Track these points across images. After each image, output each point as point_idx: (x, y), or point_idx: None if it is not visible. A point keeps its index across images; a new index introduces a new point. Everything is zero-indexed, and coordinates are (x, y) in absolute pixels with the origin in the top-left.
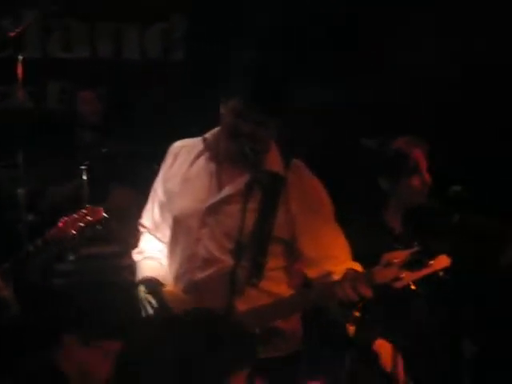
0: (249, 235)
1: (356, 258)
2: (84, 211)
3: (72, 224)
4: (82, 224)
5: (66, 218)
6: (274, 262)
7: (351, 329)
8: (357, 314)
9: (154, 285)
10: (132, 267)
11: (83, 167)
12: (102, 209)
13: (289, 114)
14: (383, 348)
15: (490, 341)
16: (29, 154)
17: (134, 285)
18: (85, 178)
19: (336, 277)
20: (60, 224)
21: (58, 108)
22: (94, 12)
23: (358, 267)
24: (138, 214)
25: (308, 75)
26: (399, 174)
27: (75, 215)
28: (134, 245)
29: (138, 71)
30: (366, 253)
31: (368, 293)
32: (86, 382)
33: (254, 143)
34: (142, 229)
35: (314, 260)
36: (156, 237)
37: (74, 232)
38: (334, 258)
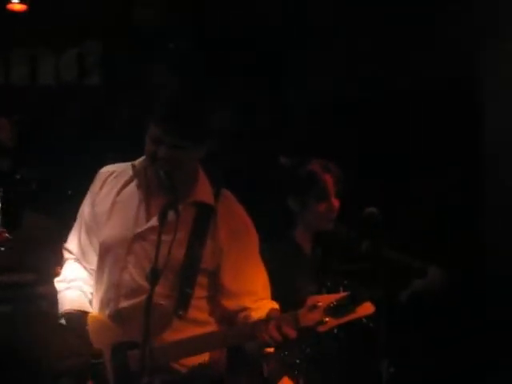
0: (177, 265)
1: (272, 280)
2: None
3: None
4: None
5: None
6: (199, 292)
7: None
8: (270, 350)
9: (74, 319)
10: (48, 296)
11: None
12: (3, 230)
13: (210, 139)
14: None
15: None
16: None
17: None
18: None
19: (253, 313)
20: None
21: None
22: (8, 38)
23: (276, 306)
24: (52, 242)
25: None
26: (307, 196)
27: None
28: (51, 272)
29: (53, 96)
30: (276, 271)
31: (293, 334)
32: None
33: (170, 167)
34: (66, 254)
35: (233, 293)
36: (81, 264)
37: None
38: (254, 293)
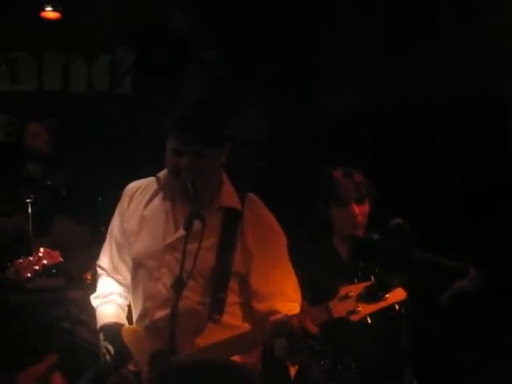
0: (208, 271)
1: (307, 283)
2: (40, 254)
3: (27, 267)
4: (37, 267)
5: (20, 261)
6: (232, 298)
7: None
8: (303, 354)
9: (111, 331)
10: (78, 300)
11: (28, 200)
12: (58, 253)
13: (230, 143)
14: None
15: (430, 372)
16: None
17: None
18: (30, 211)
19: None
20: (15, 266)
21: (6, 141)
22: (42, 45)
23: (306, 307)
24: (82, 247)
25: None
26: (329, 202)
27: (31, 258)
28: (81, 277)
29: (85, 103)
30: (317, 277)
31: (313, 329)
32: None
33: (195, 177)
34: (99, 270)
35: (264, 296)
36: (115, 279)
37: (29, 275)
38: (285, 295)
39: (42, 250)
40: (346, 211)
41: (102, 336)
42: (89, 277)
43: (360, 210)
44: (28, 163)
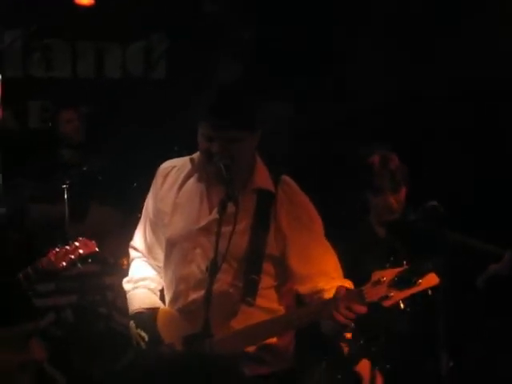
0: (242, 254)
1: (347, 264)
2: (76, 244)
3: (63, 256)
4: (72, 257)
5: (56, 250)
6: (266, 281)
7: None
8: (349, 335)
9: (144, 318)
10: (114, 286)
11: (64, 186)
12: (94, 243)
13: (262, 127)
14: (364, 367)
15: (465, 356)
16: (10, 173)
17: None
18: (65, 196)
19: (327, 294)
20: (51, 256)
21: (40, 127)
22: (75, 31)
23: (348, 284)
24: (118, 233)
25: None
26: (366, 190)
27: (67, 247)
28: (117, 263)
29: (119, 89)
30: (357, 258)
31: (363, 310)
32: None
33: (228, 160)
34: (133, 252)
35: (305, 277)
36: (148, 262)
37: (65, 264)
38: (325, 274)
39: (79, 238)
40: (381, 200)
41: (134, 323)
42: (125, 262)
43: (396, 199)
44: (62, 149)
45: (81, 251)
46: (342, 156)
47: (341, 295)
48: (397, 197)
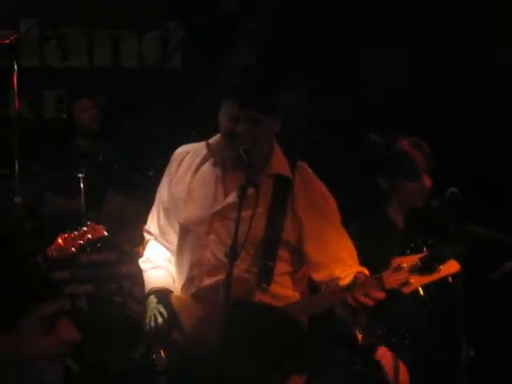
0: (258, 239)
1: (361, 254)
2: (84, 229)
3: (72, 241)
4: (81, 242)
5: (65, 235)
6: (282, 267)
7: (359, 335)
8: (365, 320)
9: (163, 295)
10: (130, 275)
11: (80, 175)
12: (102, 227)
13: (283, 112)
14: (385, 356)
15: (486, 344)
16: (25, 162)
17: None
18: (81, 186)
19: (342, 281)
20: (59, 241)
21: (56, 117)
22: (91, 20)
23: (365, 271)
24: (134, 222)
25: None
26: (398, 174)
27: (75, 232)
28: (133, 252)
29: (136, 78)
30: (372, 248)
31: (381, 296)
32: None
33: (249, 144)
34: (147, 235)
35: (321, 264)
36: (162, 244)
37: (74, 250)
38: (342, 261)
39: (87, 223)
40: (417, 184)
41: (153, 298)
42: (141, 251)
43: (428, 182)
44: (78, 139)
45: (89, 236)
46: (354, 144)
47: (359, 281)
48: (429, 180)
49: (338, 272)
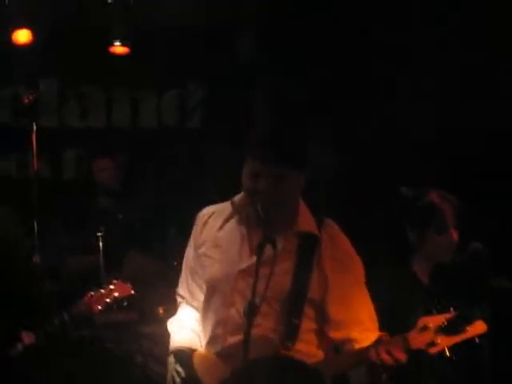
0: (283, 297)
1: (386, 310)
2: (111, 287)
3: (98, 300)
4: (108, 300)
5: (92, 293)
6: (307, 325)
7: None
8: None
9: (183, 355)
10: (151, 335)
11: (99, 234)
12: (129, 286)
13: (309, 167)
14: None
15: None
16: (45, 222)
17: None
18: (100, 245)
19: (358, 344)
20: (86, 299)
21: (75, 176)
22: (110, 80)
23: (384, 337)
24: (154, 281)
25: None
26: (427, 227)
27: (102, 290)
28: (154, 312)
29: (155, 138)
30: (396, 305)
31: (403, 357)
32: None
33: (270, 201)
34: (179, 298)
35: (340, 323)
36: (193, 306)
37: (100, 308)
38: (361, 323)
39: (114, 281)
40: (444, 238)
41: (172, 359)
42: (161, 311)
43: (456, 236)
44: (99, 197)
45: (116, 294)
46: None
47: (383, 340)
48: (457, 234)
49: (355, 334)
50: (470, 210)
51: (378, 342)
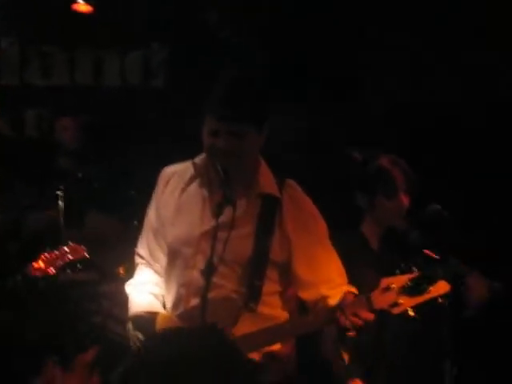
0: (245, 259)
1: None
2: (65, 249)
3: (52, 262)
4: (61, 262)
5: (46, 255)
6: (270, 287)
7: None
8: (352, 334)
9: (141, 321)
10: (111, 295)
11: (59, 193)
12: (83, 248)
13: (268, 126)
14: None
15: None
16: (5, 181)
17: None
18: (61, 203)
19: (331, 301)
20: (40, 261)
21: (36, 135)
22: (74, 39)
23: (353, 290)
24: (115, 241)
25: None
26: (377, 192)
27: (56, 252)
28: (114, 272)
29: (118, 97)
30: (346, 268)
31: (370, 317)
32: None
33: (229, 159)
34: (138, 259)
35: (309, 283)
36: (152, 268)
37: (54, 271)
38: (330, 281)
39: (69, 244)
40: (394, 202)
41: (131, 325)
42: (121, 271)
43: (406, 201)
44: (59, 157)
45: (70, 256)
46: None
47: (348, 301)
48: (407, 199)
49: (325, 291)
50: (421, 175)
51: (342, 305)
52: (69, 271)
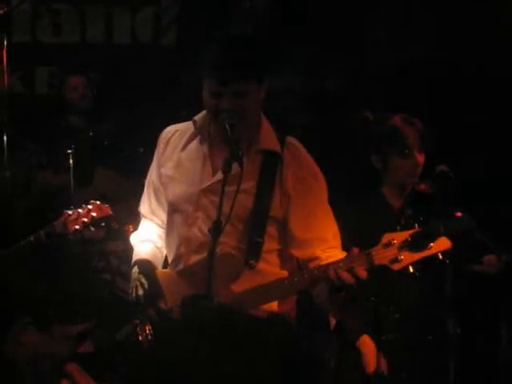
0: (245, 215)
1: (358, 234)
2: (89, 207)
3: (75, 220)
4: (85, 220)
5: (69, 213)
6: (269, 244)
7: (332, 321)
8: (342, 294)
9: (146, 266)
10: (118, 252)
11: (69, 151)
12: (108, 206)
13: (268, 81)
14: (366, 346)
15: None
16: (15, 138)
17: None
18: (71, 161)
19: (323, 262)
20: (63, 218)
21: (47, 93)
22: None
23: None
24: (123, 198)
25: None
26: (390, 153)
27: (80, 210)
28: (121, 229)
29: (128, 55)
30: (368, 229)
31: (364, 275)
32: (38, 367)
33: (233, 117)
34: (141, 216)
35: (304, 242)
36: (154, 222)
37: (78, 228)
38: (324, 241)
39: (92, 202)
40: (408, 161)
41: (136, 269)
42: (130, 229)
43: (421, 159)
44: (69, 115)
45: (94, 214)
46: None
47: (346, 256)
48: (422, 157)
49: (318, 252)
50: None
51: (340, 260)
52: (93, 229)
